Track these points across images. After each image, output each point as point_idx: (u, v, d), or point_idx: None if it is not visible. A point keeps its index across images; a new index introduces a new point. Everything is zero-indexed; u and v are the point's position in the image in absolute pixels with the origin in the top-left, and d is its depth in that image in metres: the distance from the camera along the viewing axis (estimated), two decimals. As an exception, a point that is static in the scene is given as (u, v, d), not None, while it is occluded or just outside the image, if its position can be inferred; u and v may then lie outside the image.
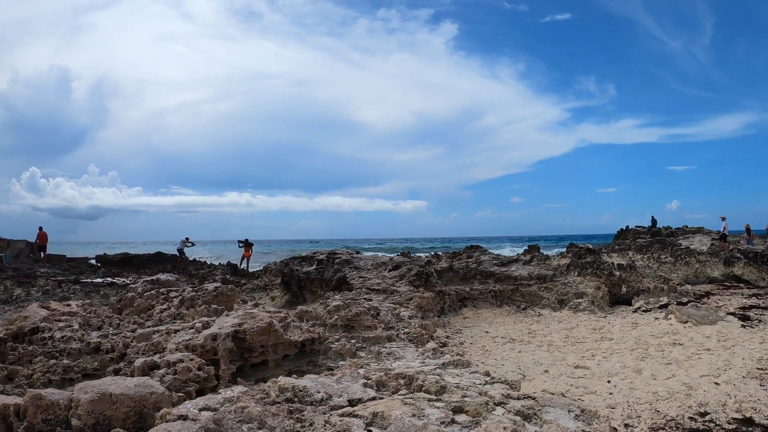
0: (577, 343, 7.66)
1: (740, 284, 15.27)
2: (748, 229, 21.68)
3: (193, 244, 21.90)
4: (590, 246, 19.06)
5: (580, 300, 10.89)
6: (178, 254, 21.58)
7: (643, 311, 10.56)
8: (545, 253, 17.79)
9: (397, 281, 9.89)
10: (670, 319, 9.22)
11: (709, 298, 12.04)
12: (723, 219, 24.32)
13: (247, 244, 20.48)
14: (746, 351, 6.60)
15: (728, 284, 15.48)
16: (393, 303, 8.19)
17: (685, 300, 11.53)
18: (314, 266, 11.48)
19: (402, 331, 6.51)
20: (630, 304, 11.60)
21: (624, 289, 12.99)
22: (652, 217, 31.32)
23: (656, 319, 9.53)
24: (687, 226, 34.89)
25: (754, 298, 11.95)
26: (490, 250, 17.56)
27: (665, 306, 10.63)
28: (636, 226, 32.50)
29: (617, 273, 12.87)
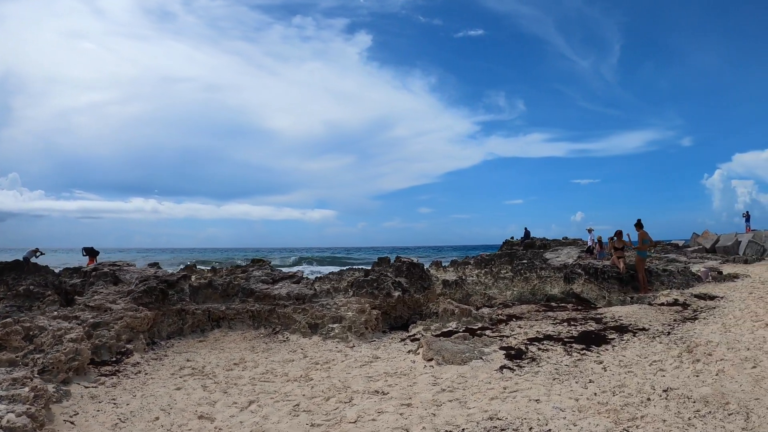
0: (262, 382, 7.13)
1: (579, 304, 13.82)
2: (600, 241, 20.95)
3: (42, 254, 22.94)
4: (414, 259, 18.12)
5: (334, 325, 10.39)
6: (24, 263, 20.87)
7: (412, 340, 9.57)
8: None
9: (122, 297, 10.22)
10: (419, 354, 7.93)
11: (507, 324, 10.41)
12: (590, 231, 24.01)
13: (91, 253, 21.60)
14: (461, 409, 5.44)
15: (554, 304, 14.29)
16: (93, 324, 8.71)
17: (478, 326, 10.33)
18: (80, 279, 11.99)
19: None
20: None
21: (409, 312, 12.61)
22: (525, 228, 32.40)
23: (409, 352, 8.37)
24: (566, 238, 35.07)
25: (565, 324, 10.02)
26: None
27: (448, 334, 9.55)
28: (511, 238, 32.85)
29: (396, 294, 12.14)
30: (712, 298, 11.96)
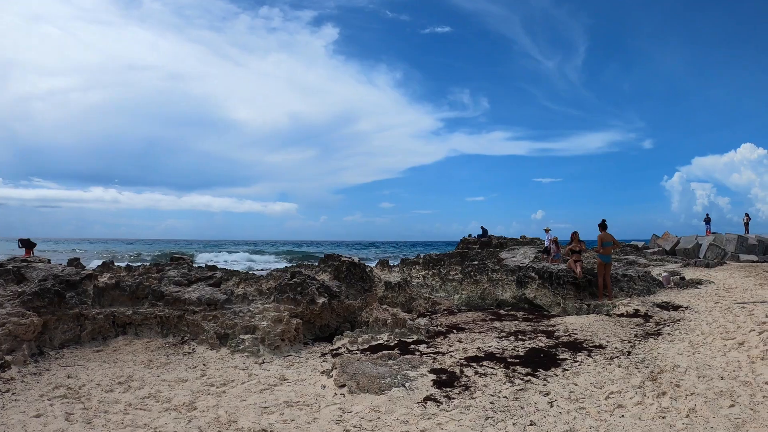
0: (137, 410, 6.01)
1: (531, 311, 12.82)
2: (556, 241, 20.38)
3: None
4: (355, 259, 17.71)
5: (246, 336, 9.37)
6: None
7: (334, 355, 8.44)
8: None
9: (10, 300, 9.36)
10: (332, 377, 6.81)
11: (446, 337, 9.37)
12: (547, 231, 23.51)
13: (28, 245, 21.16)
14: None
15: (503, 312, 13.57)
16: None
17: (413, 338, 9.35)
18: None
19: None
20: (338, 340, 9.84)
21: (338, 320, 11.62)
22: (482, 227, 32.04)
23: (323, 373, 7.18)
24: (524, 237, 34.62)
25: (512, 338, 9.08)
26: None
27: (377, 348, 8.63)
28: (468, 235, 32.26)
29: (320, 300, 11.06)
30: (675, 308, 11.19)
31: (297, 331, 9.88)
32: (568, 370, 6.63)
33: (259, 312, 10.14)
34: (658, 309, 10.92)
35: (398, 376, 6.20)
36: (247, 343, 9.15)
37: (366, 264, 24.52)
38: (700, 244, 32.18)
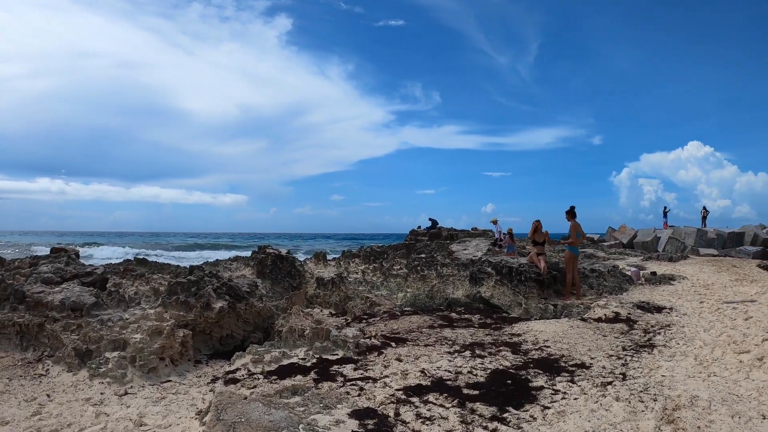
0: None
1: (488, 313, 11.21)
2: (510, 233, 19.23)
3: None
4: (282, 252, 17.48)
5: (113, 354, 7.26)
6: None
7: (230, 381, 6.34)
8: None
9: None
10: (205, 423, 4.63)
11: (382, 354, 7.49)
12: (495, 222, 22.40)
13: None
14: None
15: (455, 316, 11.63)
16: None
17: (337, 355, 7.51)
18: None
19: None
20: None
21: (246, 328, 9.89)
22: (430, 218, 30.95)
23: (197, 416, 5.37)
24: (476, 228, 33.43)
25: (468, 352, 7.31)
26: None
27: (287, 369, 6.84)
28: (418, 227, 31.13)
29: (217, 305, 9.19)
30: (659, 309, 9.76)
31: (184, 346, 7.93)
32: (548, 408, 4.89)
33: (134, 321, 8.09)
34: (640, 311, 9.44)
35: (300, 427, 4.30)
36: (110, 365, 7.15)
37: (298, 257, 22.67)
38: (659, 237, 31.70)
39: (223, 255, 31.53)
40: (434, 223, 33.10)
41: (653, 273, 15.28)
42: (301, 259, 21.62)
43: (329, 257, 24.17)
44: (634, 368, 6.13)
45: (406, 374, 6.19)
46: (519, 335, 8.26)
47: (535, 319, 10.51)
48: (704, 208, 34.95)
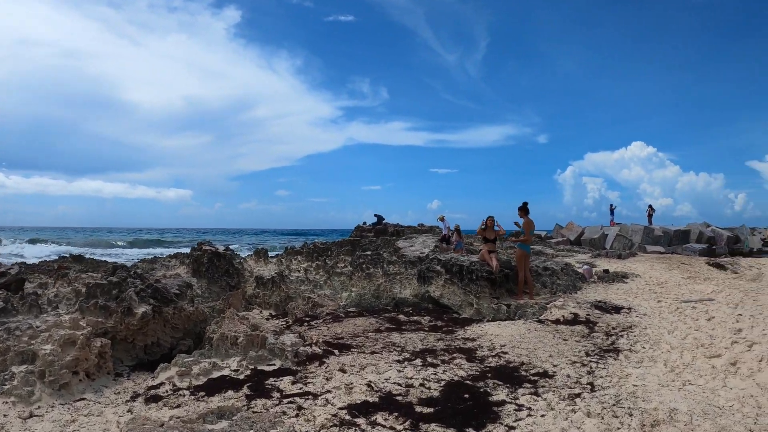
0: None
1: (438, 314, 10.73)
2: (458, 230, 18.97)
3: None
4: (220, 249, 16.58)
5: (20, 369, 6.36)
6: None
7: (150, 399, 5.74)
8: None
9: None
10: None
11: (324, 363, 6.89)
12: (442, 219, 22.09)
13: None
14: None
15: (403, 318, 11.09)
16: None
17: (274, 366, 6.85)
18: None
19: None
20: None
21: (175, 335, 9.01)
22: (376, 214, 30.86)
23: None
24: (422, 224, 33.09)
25: (419, 360, 6.84)
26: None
27: (217, 383, 6.21)
28: (363, 223, 31.10)
29: (140, 310, 8.18)
30: (617, 309, 9.46)
31: (102, 358, 7.06)
32: (514, 428, 4.37)
33: (46, 329, 7.17)
34: (598, 312, 9.12)
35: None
36: (16, 381, 6.22)
37: (242, 254, 21.73)
38: (606, 235, 32.13)
39: (165, 252, 30.29)
40: (380, 218, 32.57)
41: (606, 271, 15.15)
42: (244, 256, 20.81)
43: (272, 254, 23.34)
44: (602, 377, 5.70)
45: (351, 388, 5.57)
46: (473, 340, 7.77)
47: (488, 320, 10.09)
48: (650, 206, 35.60)
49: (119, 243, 77.18)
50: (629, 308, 9.58)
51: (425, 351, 7.29)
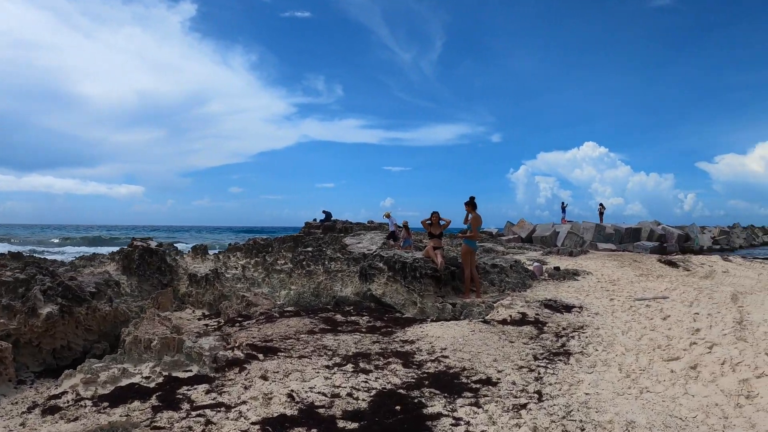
0: None
1: (379, 313, 10.05)
2: (405, 226, 18.48)
3: None
4: (152, 245, 16.13)
5: None
6: None
7: (48, 410, 5.15)
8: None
9: None
10: None
11: (245, 370, 6.27)
12: (388, 216, 21.59)
13: None
14: None
15: (341, 318, 10.39)
16: None
17: (191, 372, 6.18)
18: None
19: None
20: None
21: (88, 338, 8.13)
22: (324, 210, 30.57)
23: None
24: (372, 221, 32.58)
25: (351, 365, 6.26)
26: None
27: (125, 393, 5.42)
28: (314, 220, 32.02)
29: (45, 311, 7.47)
30: (568, 308, 9.02)
31: (2, 363, 6.22)
32: (449, 448, 3.75)
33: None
34: (548, 311, 8.64)
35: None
36: None
37: (177, 250, 20.68)
38: (558, 232, 32.20)
39: (109, 249, 29.06)
40: (328, 215, 32.08)
41: (557, 268, 14.83)
42: (183, 253, 19.87)
43: (213, 251, 22.42)
44: (551, 384, 5.16)
45: (270, 399, 4.89)
46: (412, 342, 7.16)
47: (432, 320, 9.53)
48: (600, 204, 35.94)
49: (54, 240, 74.64)
50: (581, 307, 9.15)
51: (359, 355, 6.65)
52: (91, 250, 45.80)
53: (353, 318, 9.96)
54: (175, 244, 23.71)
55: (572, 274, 13.91)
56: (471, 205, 10.93)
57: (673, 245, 30.08)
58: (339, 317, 10.09)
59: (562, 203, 36.95)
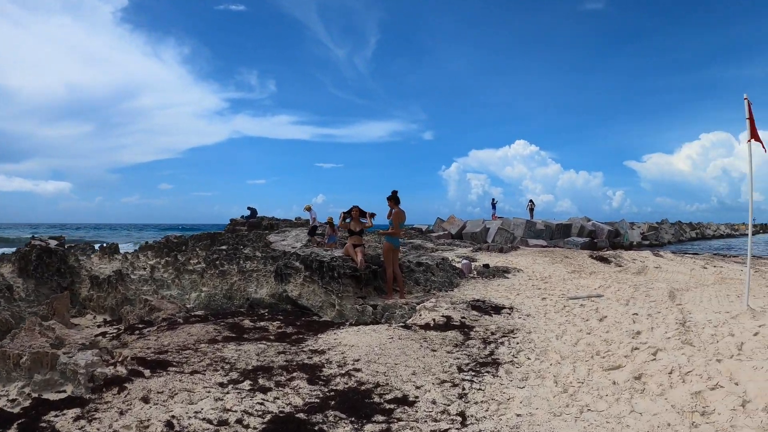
0: None
1: (295, 316, 9.27)
2: (330, 223, 17.75)
3: None
4: (51, 244, 15.11)
5: None
6: None
7: None
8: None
9: None
10: None
11: (125, 390, 5.30)
12: (308, 209, 20.79)
13: None
14: None
15: (249, 324, 9.38)
16: None
17: (63, 394, 5.33)
18: None
19: None
20: None
21: None
22: (249, 207, 30.02)
23: None
24: (299, 218, 31.78)
25: (246, 383, 5.42)
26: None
27: None
28: (241, 216, 31.43)
29: None
30: (497, 309, 8.40)
31: None
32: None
33: None
34: (476, 313, 7.98)
35: None
36: None
37: (80, 251, 19.17)
38: (488, 228, 32.07)
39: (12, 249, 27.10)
40: (253, 212, 31.27)
41: (486, 265, 14.30)
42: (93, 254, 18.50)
43: (128, 250, 21.07)
44: (477, 402, 4.43)
45: (146, 428, 3.97)
46: (323, 352, 6.33)
47: (350, 323, 8.77)
48: (530, 200, 36.15)
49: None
50: (511, 308, 8.55)
51: (259, 369, 5.77)
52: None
53: (263, 323, 9.04)
54: (95, 245, 22.15)
55: (502, 272, 13.40)
56: (393, 199, 10.18)
57: (603, 241, 30.44)
58: (247, 323, 9.15)
59: (492, 200, 37.03)
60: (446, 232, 33.43)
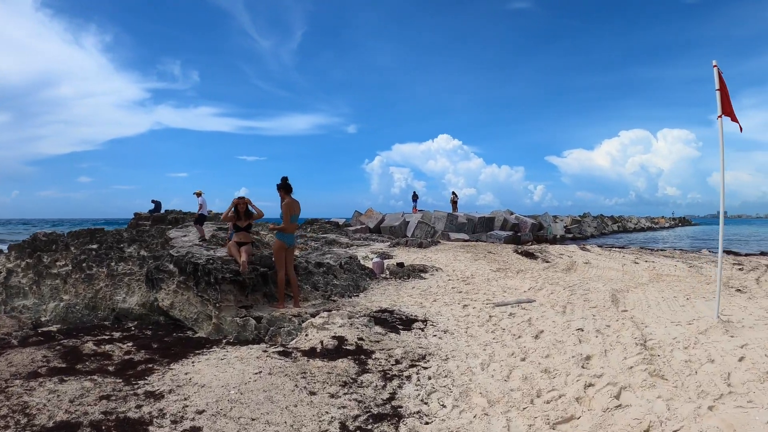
0: None
1: (164, 333, 7.82)
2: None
3: None
4: None
5: None
6: None
7: None
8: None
9: None
10: None
11: None
12: (198, 195, 18.72)
13: None
14: None
15: (91, 344, 7.61)
16: None
17: None
18: None
19: None
20: None
21: None
22: (153, 200, 29.53)
23: None
24: (211, 212, 30.12)
25: None
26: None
27: None
28: (148, 211, 29.79)
29: None
30: (408, 324, 6.84)
31: None
32: None
33: None
34: (379, 329, 6.38)
35: None
36: None
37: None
38: (408, 222, 30.82)
39: None
40: (158, 205, 29.44)
41: (400, 264, 12.79)
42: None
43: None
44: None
45: None
46: (161, 396, 4.57)
47: (227, 341, 7.07)
48: (453, 192, 35.22)
49: None
50: (425, 320, 7.01)
51: (62, 428, 3.96)
52: None
53: (108, 348, 7.14)
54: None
55: (419, 271, 11.94)
56: (284, 188, 8.46)
57: (527, 234, 29.77)
58: (89, 346, 7.22)
59: (413, 193, 35.89)
60: (364, 226, 32.01)
